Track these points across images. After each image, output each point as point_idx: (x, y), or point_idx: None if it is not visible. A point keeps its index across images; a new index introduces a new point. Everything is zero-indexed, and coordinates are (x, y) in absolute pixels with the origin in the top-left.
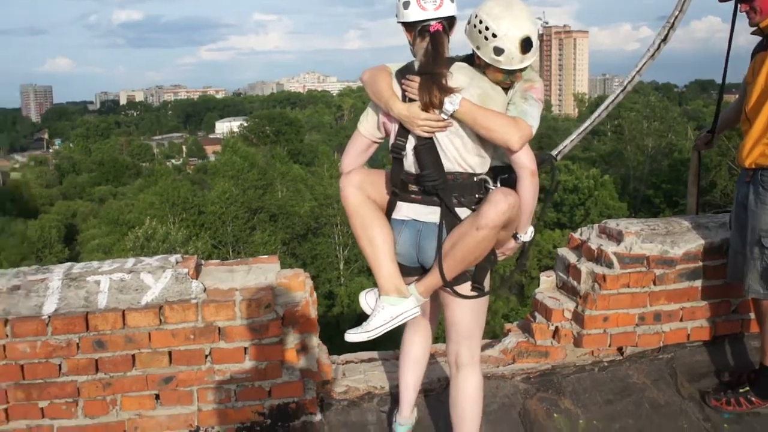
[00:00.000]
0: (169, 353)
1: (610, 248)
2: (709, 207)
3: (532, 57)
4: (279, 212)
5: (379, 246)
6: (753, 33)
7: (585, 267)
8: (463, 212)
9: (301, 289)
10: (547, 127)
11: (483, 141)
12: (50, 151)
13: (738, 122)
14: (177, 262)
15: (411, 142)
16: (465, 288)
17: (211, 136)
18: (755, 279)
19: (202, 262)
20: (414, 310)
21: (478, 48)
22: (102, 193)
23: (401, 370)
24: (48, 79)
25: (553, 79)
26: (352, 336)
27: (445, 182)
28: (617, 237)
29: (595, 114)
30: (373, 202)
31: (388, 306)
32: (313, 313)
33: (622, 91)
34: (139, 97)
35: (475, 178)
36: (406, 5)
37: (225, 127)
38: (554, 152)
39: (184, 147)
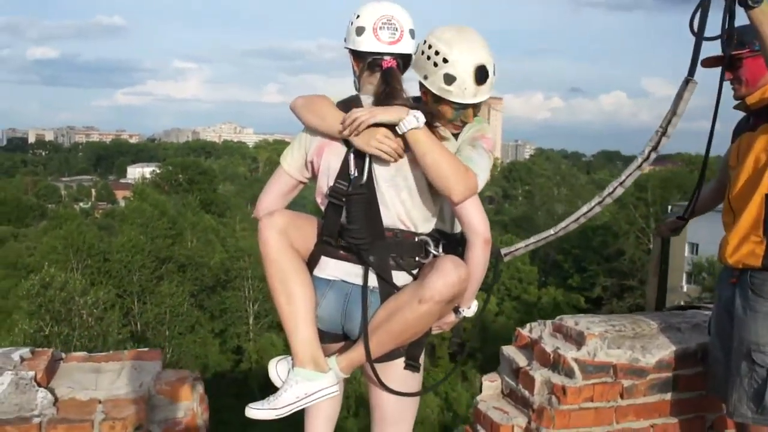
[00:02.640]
0: None
1: (570, 353)
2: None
3: (487, 93)
4: (188, 263)
5: (298, 306)
6: (736, 107)
7: (540, 375)
8: (400, 276)
9: (187, 398)
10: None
11: (431, 197)
12: None
13: (712, 208)
14: (22, 360)
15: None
16: (394, 369)
17: (122, 180)
18: (742, 400)
19: (63, 355)
20: (332, 388)
21: (425, 78)
22: (2, 233)
23: None
24: None
25: None
26: (257, 413)
27: (371, 242)
28: (577, 339)
29: (563, 224)
30: (296, 252)
31: (302, 380)
32: (202, 424)
33: (599, 203)
34: (50, 136)
35: (416, 238)
36: (359, 31)
37: (137, 172)
38: (504, 251)
39: (93, 190)
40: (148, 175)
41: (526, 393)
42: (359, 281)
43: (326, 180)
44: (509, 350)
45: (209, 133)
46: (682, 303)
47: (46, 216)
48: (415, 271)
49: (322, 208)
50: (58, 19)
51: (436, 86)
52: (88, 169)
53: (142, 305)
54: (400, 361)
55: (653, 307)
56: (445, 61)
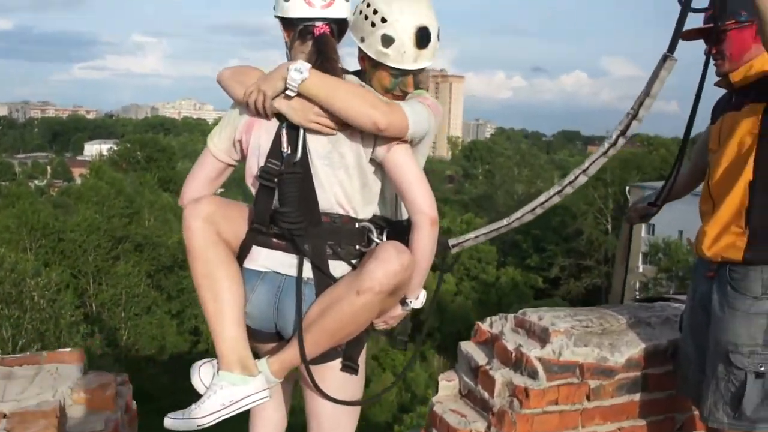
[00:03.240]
0: None
1: (533, 351)
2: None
3: (429, 58)
4: (145, 242)
5: (224, 303)
6: (717, 84)
7: (500, 375)
8: (337, 267)
9: (108, 407)
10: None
11: (371, 177)
12: None
13: (685, 195)
14: None
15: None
16: (332, 372)
17: (79, 158)
18: (718, 405)
19: None
20: (262, 393)
21: (362, 40)
22: None
23: None
24: None
25: None
26: (174, 423)
27: (306, 227)
28: (541, 336)
29: (518, 214)
30: (225, 243)
31: (227, 386)
32: None
33: (558, 192)
34: (3, 111)
35: (357, 225)
36: None
37: (94, 149)
38: (452, 242)
39: (49, 168)
40: (105, 153)
41: (486, 395)
42: (293, 272)
43: (256, 160)
44: (467, 347)
45: (168, 110)
46: (640, 293)
47: (0, 194)
48: (354, 261)
49: (253, 191)
50: None
51: (373, 49)
52: (43, 146)
53: (97, 286)
54: (338, 363)
55: (620, 298)
56: (383, 21)
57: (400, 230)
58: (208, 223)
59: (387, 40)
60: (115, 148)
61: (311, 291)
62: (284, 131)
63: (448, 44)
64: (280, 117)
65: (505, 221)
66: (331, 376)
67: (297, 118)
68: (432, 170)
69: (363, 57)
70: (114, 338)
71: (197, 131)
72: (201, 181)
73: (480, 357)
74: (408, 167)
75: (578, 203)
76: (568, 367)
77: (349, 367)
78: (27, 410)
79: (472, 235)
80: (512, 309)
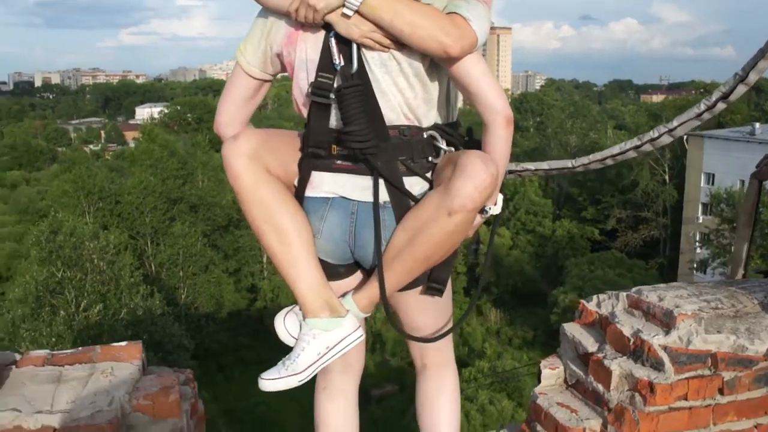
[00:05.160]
0: None
1: (656, 338)
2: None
3: None
4: (200, 203)
5: (293, 245)
6: None
7: (617, 366)
8: (414, 184)
9: (174, 413)
10: (471, 122)
11: (431, 79)
12: None
13: None
14: None
15: (338, 81)
16: (417, 297)
17: (131, 121)
18: None
19: (17, 357)
20: (357, 333)
21: None
22: (14, 178)
23: None
24: None
25: None
26: (274, 384)
27: (377, 145)
28: (663, 320)
29: (585, 159)
30: (275, 178)
31: (319, 333)
32: None
33: (636, 147)
34: (56, 79)
35: (424, 134)
36: None
37: (145, 112)
38: (510, 167)
39: (102, 132)
40: (156, 116)
41: (600, 387)
42: (365, 196)
43: (305, 75)
44: (572, 329)
45: (216, 71)
46: (701, 245)
47: (57, 159)
48: (429, 175)
49: (304, 111)
50: None
51: None
52: (96, 111)
53: (155, 247)
54: (424, 287)
55: (742, 269)
56: None
57: (460, 134)
58: (253, 160)
59: None
60: (166, 111)
61: (390, 215)
62: (333, 41)
63: None
64: (326, 25)
65: (570, 163)
66: (417, 301)
67: (351, 33)
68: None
69: None
70: (173, 297)
71: None
72: (237, 103)
73: (589, 342)
74: (475, 66)
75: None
76: (699, 357)
77: (436, 289)
78: (79, 424)
79: (531, 166)
80: (569, 261)
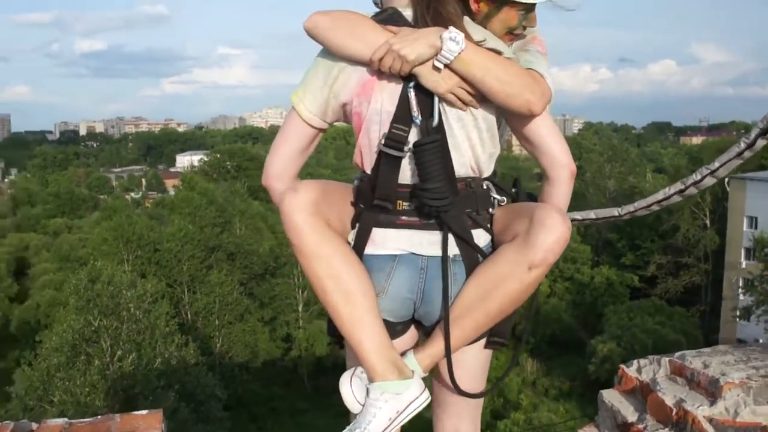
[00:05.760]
0: None
1: (701, 409)
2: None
3: None
4: (237, 251)
5: (359, 306)
6: None
7: None
8: (480, 236)
9: None
10: (509, 167)
11: (496, 129)
12: (6, 181)
13: None
14: None
15: (415, 134)
16: (472, 353)
17: (172, 169)
18: None
19: (33, 426)
20: (424, 395)
21: None
22: (56, 226)
23: None
24: (6, 108)
25: None
26: None
27: (453, 201)
28: (708, 388)
29: (631, 207)
30: (336, 234)
31: (391, 397)
32: None
33: (680, 192)
34: (100, 128)
35: (484, 185)
36: None
37: (186, 160)
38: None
39: (143, 180)
40: (196, 163)
41: None
42: (435, 251)
43: (378, 127)
44: (611, 396)
45: (256, 119)
46: (744, 291)
47: (98, 207)
48: (490, 227)
49: (368, 163)
50: (103, 11)
51: None
52: (138, 159)
53: (191, 295)
54: (484, 341)
55: None
56: None
57: (507, 185)
58: (315, 215)
59: None
60: (206, 159)
61: (461, 269)
62: (413, 93)
63: None
64: (406, 75)
65: (616, 211)
66: (472, 357)
67: (438, 87)
68: (521, 168)
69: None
70: (208, 346)
71: None
72: (291, 154)
73: (628, 411)
74: (545, 121)
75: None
76: (748, 430)
77: (499, 343)
78: None
79: (578, 215)
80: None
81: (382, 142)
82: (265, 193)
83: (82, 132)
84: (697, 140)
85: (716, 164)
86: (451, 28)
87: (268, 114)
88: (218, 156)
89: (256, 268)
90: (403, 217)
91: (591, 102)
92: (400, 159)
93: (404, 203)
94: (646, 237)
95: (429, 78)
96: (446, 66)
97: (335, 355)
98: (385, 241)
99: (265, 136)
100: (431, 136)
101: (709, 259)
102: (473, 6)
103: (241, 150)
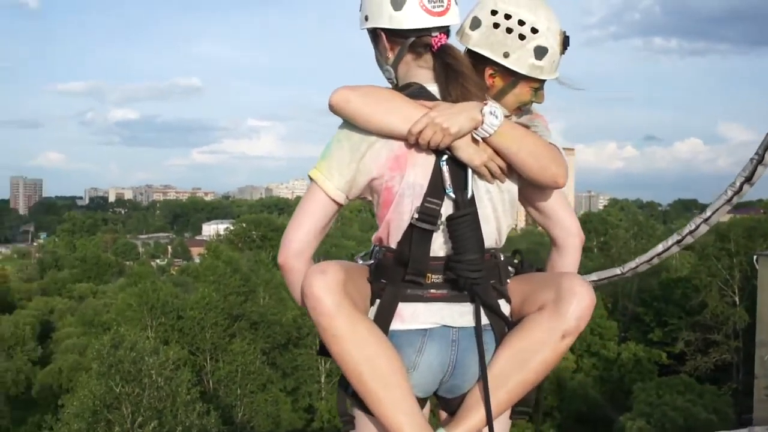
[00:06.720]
0: None
1: None
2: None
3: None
4: (260, 320)
5: (396, 389)
6: None
7: None
8: (504, 307)
9: None
10: (534, 242)
11: (516, 202)
12: (34, 244)
13: None
14: None
15: (447, 207)
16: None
17: (198, 237)
18: None
19: None
20: None
21: (506, 56)
22: (82, 291)
23: None
24: (39, 173)
25: None
26: None
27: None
28: None
29: (632, 263)
30: (365, 315)
31: None
32: None
33: (678, 242)
34: (129, 195)
35: (502, 257)
36: (397, 4)
37: (212, 229)
38: None
39: (169, 247)
40: (222, 232)
41: None
42: (465, 322)
43: (410, 201)
44: None
45: (282, 190)
46: None
47: (124, 273)
48: (508, 297)
49: (393, 236)
50: (138, 82)
51: (524, 64)
52: (165, 227)
53: (214, 363)
54: (505, 414)
55: None
56: (534, 31)
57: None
58: (345, 297)
59: (541, 52)
60: (232, 228)
61: (491, 339)
62: (446, 166)
63: (555, 117)
64: (437, 150)
65: (618, 270)
66: (500, 429)
67: (474, 159)
68: (545, 242)
69: (496, 74)
70: (229, 415)
71: None
72: (313, 232)
73: None
74: (557, 192)
75: (701, 274)
76: None
77: (524, 413)
78: None
79: (594, 276)
80: (636, 386)
81: (415, 216)
82: None
83: (111, 198)
84: (724, 218)
85: (708, 212)
86: (491, 102)
87: (294, 185)
88: (244, 225)
89: (278, 337)
90: (432, 290)
91: (616, 179)
92: (431, 233)
93: (433, 276)
94: (674, 313)
95: (465, 151)
96: (483, 139)
97: None
98: (415, 315)
99: (291, 207)
100: (466, 208)
101: (739, 336)
102: (488, 81)
103: (266, 220)
